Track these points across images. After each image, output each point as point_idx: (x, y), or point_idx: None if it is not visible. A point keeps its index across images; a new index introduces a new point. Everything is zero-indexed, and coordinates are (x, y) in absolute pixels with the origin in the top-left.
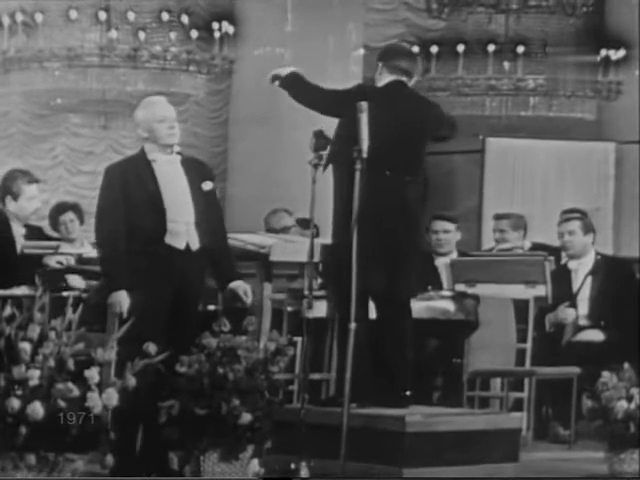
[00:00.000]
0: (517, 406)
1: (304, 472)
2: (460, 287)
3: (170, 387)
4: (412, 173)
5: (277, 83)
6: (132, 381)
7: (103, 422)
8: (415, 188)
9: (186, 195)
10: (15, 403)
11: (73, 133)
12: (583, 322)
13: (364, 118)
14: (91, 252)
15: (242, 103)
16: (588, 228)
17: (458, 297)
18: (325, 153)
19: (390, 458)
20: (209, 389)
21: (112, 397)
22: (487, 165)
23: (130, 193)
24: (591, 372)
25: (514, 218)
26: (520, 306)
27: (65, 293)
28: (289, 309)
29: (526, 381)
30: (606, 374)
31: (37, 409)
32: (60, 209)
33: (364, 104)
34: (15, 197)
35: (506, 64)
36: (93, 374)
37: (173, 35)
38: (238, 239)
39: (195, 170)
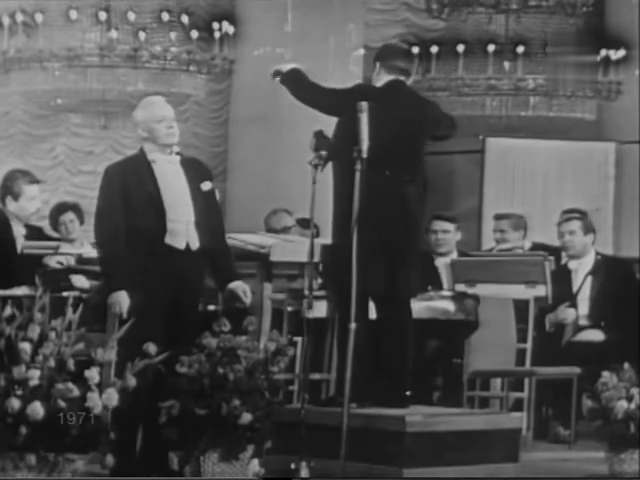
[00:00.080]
0: (517, 406)
1: (304, 472)
2: (460, 287)
3: (170, 387)
4: (411, 173)
5: (278, 79)
6: (132, 381)
7: (103, 422)
8: (415, 188)
9: (186, 195)
10: (15, 403)
11: (73, 133)
12: (583, 322)
13: (364, 118)
14: (91, 252)
15: (242, 103)
16: (588, 228)
17: (458, 297)
18: (324, 153)
19: (390, 458)
20: (209, 389)
21: (112, 397)
22: (487, 165)
23: (130, 193)
24: (591, 372)
25: (514, 218)
26: (520, 306)
27: (65, 293)
28: (289, 309)
29: (526, 381)
30: (606, 374)
31: (37, 409)
32: (60, 209)
33: (364, 104)
34: (16, 197)
35: (506, 64)
36: (93, 374)
37: (173, 35)
38: (238, 239)
39: (194, 170)
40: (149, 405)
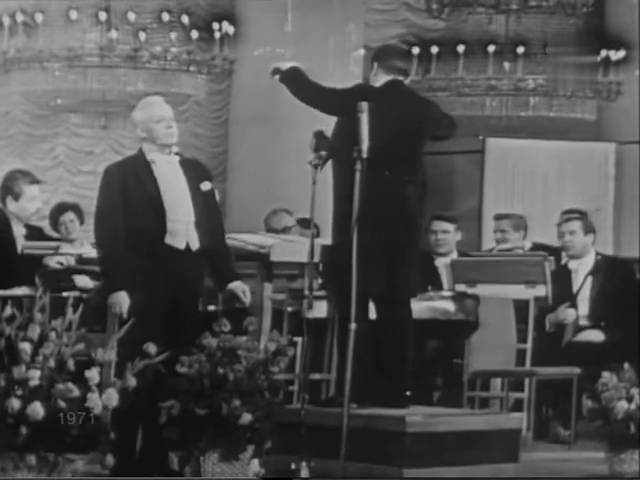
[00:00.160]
0: (517, 406)
1: (304, 472)
2: (460, 287)
3: (170, 387)
4: (411, 173)
5: (277, 77)
6: (132, 381)
7: (103, 422)
8: (414, 188)
9: (185, 195)
10: (15, 403)
11: (73, 133)
12: (583, 322)
13: (364, 118)
14: (91, 252)
15: (242, 103)
16: (589, 228)
17: (458, 297)
18: (324, 153)
19: (390, 458)
20: (209, 389)
21: (112, 397)
22: (487, 165)
23: (130, 193)
24: (591, 372)
25: (515, 218)
26: (520, 306)
27: (65, 293)
28: (289, 309)
29: (526, 381)
30: (606, 374)
31: (37, 409)
32: (60, 209)
33: (364, 104)
34: (16, 197)
35: (506, 64)
36: (93, 374)
37: (173, 35)
38: (238, 239)
39: (194, 171)
40: (149, 405)
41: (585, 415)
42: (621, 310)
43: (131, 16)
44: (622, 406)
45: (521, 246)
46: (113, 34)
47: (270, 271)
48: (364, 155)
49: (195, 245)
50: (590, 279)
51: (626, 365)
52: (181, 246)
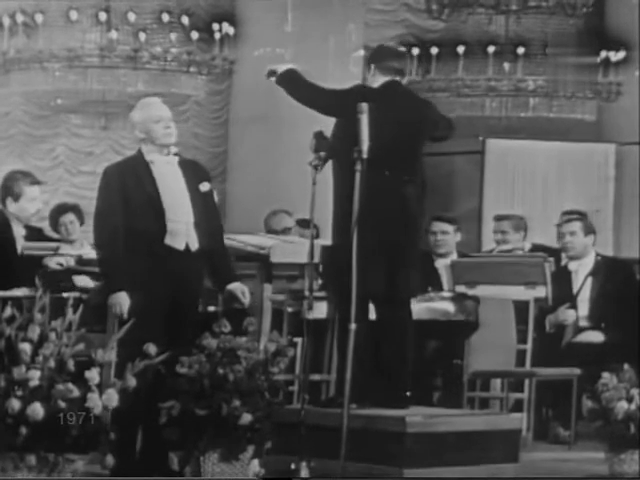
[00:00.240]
0: (517, 407)
1: (304, 472)
2: (460, 288)
3: (170, 388)
4: (411, 173)
5: (273, 79)
6: (132, 382)
7: (103, 423)
8: (414, 188)
9: (184, 196)
10: (15, 404)
11: (73, 134)
12: (583, 323)
13: (364, 119)
14: (91, 253)
15: (242, 104)
16: (589, 229)
17: (458, 298)
18: (324, 154)
19: (390, 459)
20: (209, 390)
21: (112, 398)
22: (487, 166)
23: (129, 194)
24: (591, 373)
25: (515, 219)
26: (520, 307)
27: (65, 294)
28: (289, 310)
29: (526, 382)
30: (606, 375)
31: (37, 410)
32: (60, 210)
33: (364, 105)
34: (16, 198)
35: (506, 65)
36: (93, 375)
37: (173, 36)
38: (238, 240)
39: (192, 171)
40: (149, 406)
41: (585, 415)
42: (621, 311)
43: (131, 17)
44: (622, 406)
45: (521, 247)
46: (113, 34)
47: (270, 272)
48: (364, 156)
49: (195, 246)
50: (590, 280)
51: (626, 366)
52: (181, 247)
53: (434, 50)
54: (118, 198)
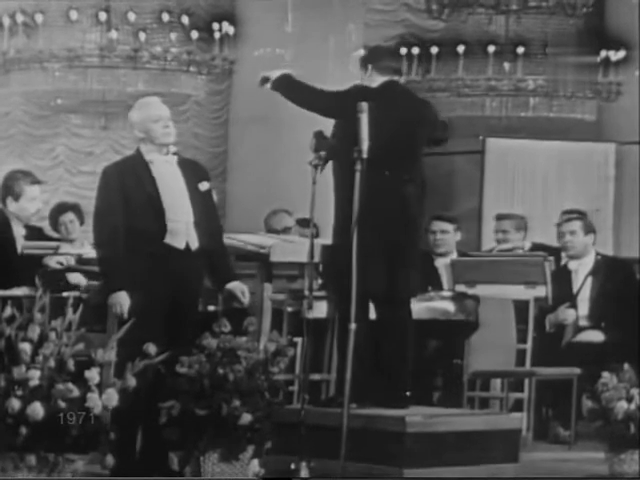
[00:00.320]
0: (517, 407)
1: (304, 472)
2: (460, 288)
3: (170, 388)
4: (410, 172)
5: (268, 86)
6: (132, 382)
7: (103, 422)
8: (414, 188)
9: (184, 195)
10: (15, 404)
11: (73, 134)
12: (583, 323)
13: (364, 118)
14: (91, 252)
15: (242, 103)
16: (589, 228)
17: (458, 298)
18: (324, 153)
19: (390, 458)
20: (209, 390)
21: (112, 397)
22: (487, 166)
23: (128, 194)
24: (591, 373)
25: (516, 219)
26: (520, 307)
27: (65, 293)
28: (289, 310)
29: (526, 382)
30: (606, 375)
31: (37, 409)
32: (60, 209)
33: (364, 104)
34: (16, 198)
35: (506, 65)
36: (93, 375)
37: (173, 36)
38: (238, 239)
39: (191, 171)
40: (149, 405)
41: (585, 415)
42: (621, 310)
43: (131, 16)
44: (622, 406)
45: (521, 246)
46: (113, 34)
47: (270, 271)
48: (364, 155)
49: (194, 245)
50: (590, 279)
51: (626, 365)
52: (181, 246)
53: (434, 50)
54: (117, 197)
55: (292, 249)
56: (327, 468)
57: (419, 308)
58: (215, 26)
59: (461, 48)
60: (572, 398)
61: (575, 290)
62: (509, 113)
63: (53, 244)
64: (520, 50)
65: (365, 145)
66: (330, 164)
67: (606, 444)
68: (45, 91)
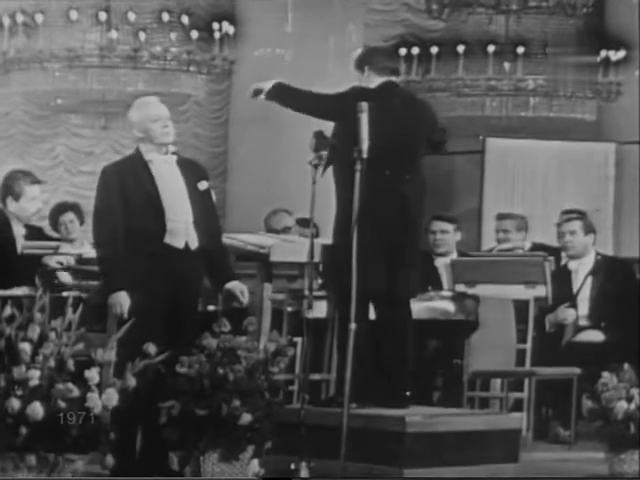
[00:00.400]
0: (517, 406)
1: (304, 472)
2: (460, 287)
3: (170, 388)
4: (411, 172)
5: (262, 97)
6: (132, 381)
7: (103, 422)
8: (414, 188)
9: (183, 195)
10: (15, 403)
11: (73, 134)
12: (583, 323)
13: (364, 118)
14: (91, 252)
15: (242, 103)
16: (589, 228)
17: (458, 297)
18: (325, 153)
19: (390, 458)
20: (209, 390)
21: (112, 397)
22: (487, 166)
23: (128, 193)
24: (591, 373)
25: (517, 219)
26: (520, 306)
27: (65, 293)
28: (289, 309)
29: (526, 381)
30: (606, 375)
31: (37, 409)
32: (60, 209)
33: (364, 104)
34: (17, 198)
35: (506, 65)
36: (93, 374)
37: (173, 36)
38: (238, 239)
39: (191, 170)
40: (149, 405)
41: (585, 415)
42: (621, 310)
43: (131, 16)
44: (622, 406)
45: (521, 246)
46: (113, 34)
47: (270, 271)
48: (364, 155)
49: (194, 244)
50: (590, 279)
51: (626, 365)
52: (180, 245)
53: (434, 50)
54: (117, 197)
55: (292, 249)
56: (327, 468)
57: (419, 308)
58: (215, 26)
59: (461, 48)
60: (572, 398)
61: (575, 290)
62: (509, 113)
63: (53, 244)
64: (520, 50)
65: (365, 145)
66: (330, 155)
67: (606, 444)
68: (45, 91)
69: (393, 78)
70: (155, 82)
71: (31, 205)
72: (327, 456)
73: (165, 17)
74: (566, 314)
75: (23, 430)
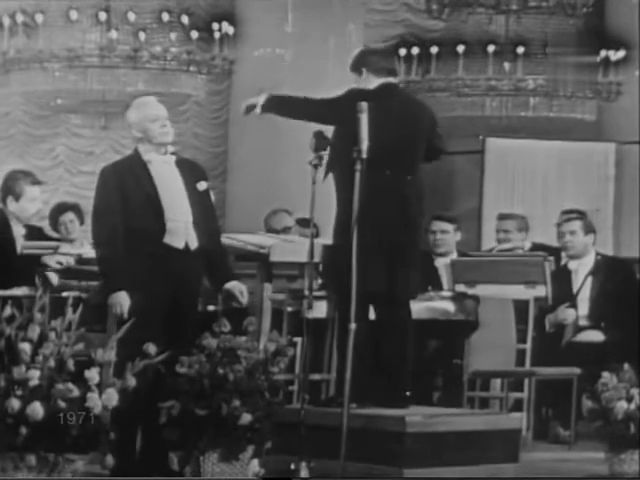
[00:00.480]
0: (517, 406)
1: (304, 472)
2: (460, 287)
3: (170, 388)
4: (412, 172)
5: (257, 111)
6: (132, 381)
7: (103, 422)
8: (414, 187)
9: (182, 195)
10: (15, 403)
11: (73, 134)
12: (583, 323)
13: (364, 118)
14: (91, 252)
15: (242, 103)
16: (589, 228)
17: (458, 297)
18: (325, 154)
19: (390, 458)
20: (209, 390)
21: (112, 397)
22: (487, 165)
23: (127, 194)
24: (591, 373)
25: (518, 219)
26: (520, 306)
27: (65, 293)
28: (289, 309)
29: (526, 381)
30: (606, 375)
31: (37, 409)
32: (60, 209)
33: (364, 104)
34: (17, 198)
35: (506, 65)
36: (93, 374)
37: (173, 36)
38: (238, 239)
39: (189, 170)
40: (149, 405)
41: (585, 415)
42: (621, 310)
43: (131, 16)
44: (622, 406)
45: (521, 246)
46: (113, 34)
47: (270, 271)
48: (364, 155)
49: (194, 244)
50: (590, 279)
51: (626, 365)
52: (180, 245)
53: (434, 50)
54: (116, 197)
55: (292, 249)
56: (327, 468)
57: (419, 308)
58: (215, 26)
59: (461, 48)
60: (572, 398)
61: (575, 290)
62: (509, 113)
63: (53, 244)
64: (520, 50)
65: (365, 145)
66: (330, 159)
67: (606, 444)
68: (45, 91)
69: (391, 79)
70: (155, 82)
71: (31, 206)
72: (327, 456)
73: (165, 17)
74: (566, 314)
75: (23, 430)
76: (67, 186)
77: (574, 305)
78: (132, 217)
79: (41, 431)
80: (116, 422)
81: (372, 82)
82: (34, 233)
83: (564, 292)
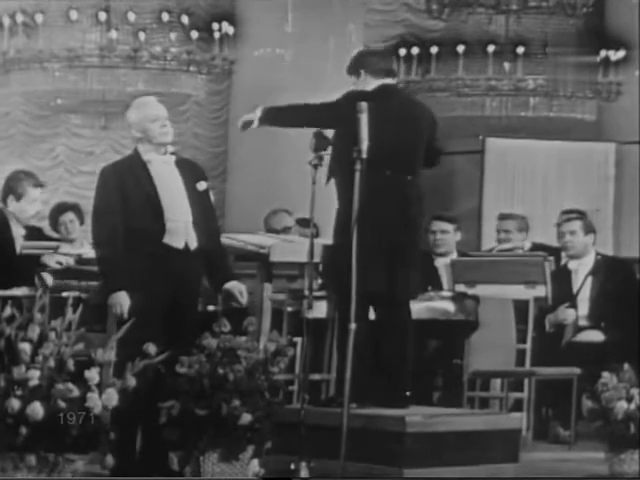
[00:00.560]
0: (517, 406)
1: (304, 472)
2: (460, 287)
3: (170, 388)
4: (412, 172)
5: (254, 125)
6: (132, 381)
7: (103, 422)
8: (414, 188)
9: (182, 195)
10: (15, 403)
11: (73, 134)
12: (583, 323)
13: (364, 118)
14: (91, 252)
15: (242, 103)
16: (589, 228)
17: (458, 297)
18: (325, 154)
19: (390, 458)
20: (209, 390)
21: (112, 397)
22: (487, 165)
23: (127, 194)
24: (591, 373)
25: (519, 220)
26: (520, 306)
27: (65, 293)
28: (289, 309)
29: (526, 381)
30: (606, 375)
31: (37, 409)
32: (60, 209)
33: (364, 104)
34: (18, 198)
35: (506, 65)
36: (93, 374)
37: (173, 36)
38: (238, 239)
39: (189, 170)
40: (149, 405)
41: (585, 415)
42: (621, 310)
43: (131, 16)
44: (622, 406)
45: (521, 246)
46: (113, 34)
47: (270, 271)
48: (364, 155)
49: (193, 244)
50: (590, 279)
51: (626, 365)
52: (180, 245)
53: (434, 50)
54: (116, 197)
55: (292, 249)
56: (327, 468)
57: (419, 308)
58: (215, 26)
59: (461, 48)
60: (572, 398)
61: (575, 290)
62: (509, 113)
63: (52, 244)
64: (520, 50)
65: (365, 145)
66: (331, 164)
67: (606, 444)
68: (45, 91)
69: (390, 80)
70: (155, 82)
71: (31, 207)
72: (327, 456)
73: (165, 17)
74: (566, 314)
75: (23, 430)
76: (67, 186)
77: (574, 305)
78: (132, 217)
79: (41, 431)
80: (116, 422)
81: (370, 84)
82: (34, 233)
83: (564, 292)
